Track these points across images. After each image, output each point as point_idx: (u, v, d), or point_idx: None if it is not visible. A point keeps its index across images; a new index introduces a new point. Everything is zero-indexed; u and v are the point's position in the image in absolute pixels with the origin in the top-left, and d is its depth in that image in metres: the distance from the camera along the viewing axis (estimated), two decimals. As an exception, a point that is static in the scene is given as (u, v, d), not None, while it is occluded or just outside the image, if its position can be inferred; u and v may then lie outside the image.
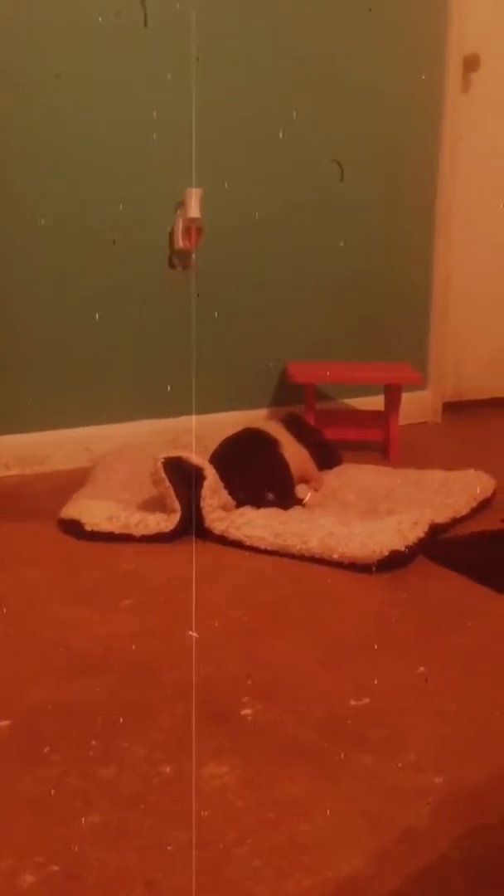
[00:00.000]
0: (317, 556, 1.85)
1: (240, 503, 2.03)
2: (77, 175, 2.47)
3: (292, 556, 1.87)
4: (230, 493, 2.02)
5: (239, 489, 2.04)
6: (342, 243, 3.02)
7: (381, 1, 2.94)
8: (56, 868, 0.95)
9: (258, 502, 2.05)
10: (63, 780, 1.10)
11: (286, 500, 2.10)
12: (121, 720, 1.23)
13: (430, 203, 3.21)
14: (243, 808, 1.05)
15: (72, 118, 2.44)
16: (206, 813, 1.04)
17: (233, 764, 1.14)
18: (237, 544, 1.92)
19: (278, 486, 2.13)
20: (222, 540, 1.94)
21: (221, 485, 1.99)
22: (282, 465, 2.18)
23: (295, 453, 2.27)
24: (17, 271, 2.43)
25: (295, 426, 2.41)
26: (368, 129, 3.00)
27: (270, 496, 2.07)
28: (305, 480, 2.30)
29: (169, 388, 2.67)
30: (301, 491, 2.22)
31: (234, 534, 1.93)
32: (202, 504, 1.95)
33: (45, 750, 1.16)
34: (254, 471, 2.12)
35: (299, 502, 2.13)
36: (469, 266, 3.40)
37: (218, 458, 2.12)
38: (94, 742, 1.18)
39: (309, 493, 2.21)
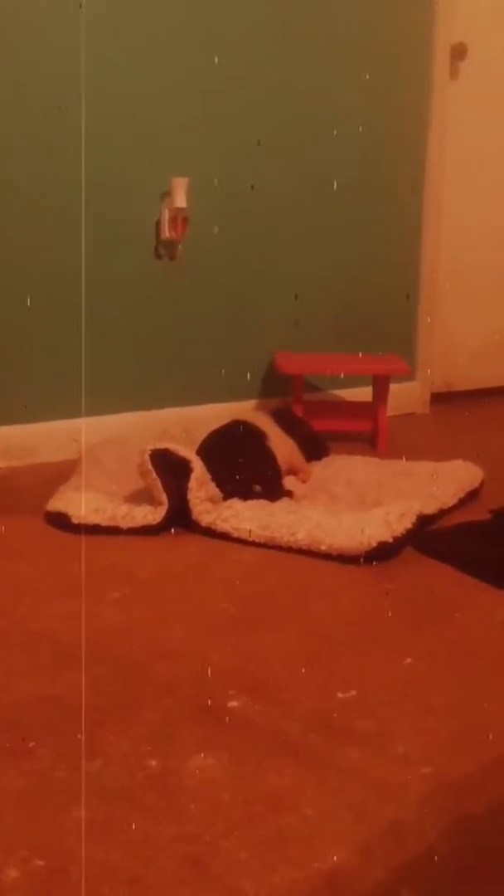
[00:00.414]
0: (304, 547, 1.84)
1: (227, 495, 2.03)
2: (62, 164, 2.45)
3: (280, 548, 1.86)
4: (217, 486, 2.01)
5: (226, 481, 2.03)
6: (330, 233, 3.01)
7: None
8: (41, 863, 0.95)
9: (245, 494, 2.04)
10: (49, 774, 1.10)
11: (273, 491, 2.10)
12: (107, 714, 1.23)
13: (418, 192, 3.21)
14: (230, 801, 1.05)
15: (56, 107, 2.41)
16: (193, 806, 1.04)
17: (219, 757, 1.13)
18: (224, 536, 1.91)
19: (265, 478, 2.12)
20: (209, 532, 1.93)
21: (209, 477, 1.99)
22: (269, 456, 2.17)
23: (282, 445, 2.26)
24: (2, 263, 2.41)
25: (282, 418, 2.41)
26: (357, 116, 2.99)
27: (258, 488, 2.07)
28: (293, 472, 2.29)
29: (168, 382, 2.66)
30: (289, 482, 2.22)
31: (222, 526, 1.92)
32: (189, 496, 1.94)
33: (31, 744, 1.15)
34: (241, 463, 2.12)
35: (287, 494, 2.12)
36: (458, 256, 3.40)
37: (205, 450, 2.11)
38: (80, 736, 1.17)
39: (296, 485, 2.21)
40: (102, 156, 2.50)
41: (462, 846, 0.99)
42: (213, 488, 2.00)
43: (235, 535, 1.90)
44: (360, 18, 2.92)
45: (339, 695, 1.29)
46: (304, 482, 2.26)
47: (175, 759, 1.12)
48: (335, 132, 2.94)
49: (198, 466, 1.96)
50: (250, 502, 2.01)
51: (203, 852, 0.96)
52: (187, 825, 1.00)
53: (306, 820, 1.02)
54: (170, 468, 1.94)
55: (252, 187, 2.80)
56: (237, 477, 2.06)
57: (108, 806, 1.04)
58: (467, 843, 1.00)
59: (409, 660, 1.41)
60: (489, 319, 3.59)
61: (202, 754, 1.14)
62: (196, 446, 2.13)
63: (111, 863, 0.95)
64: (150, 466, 1.92)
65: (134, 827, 1.00)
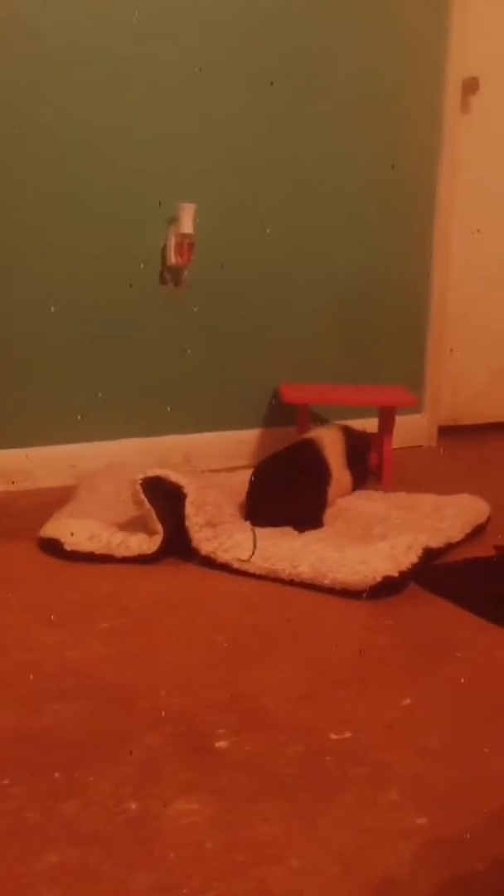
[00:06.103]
0: (307, 581, 1.78)
1: (271, 516, 2.06)
2: (68, 190, 2.43)
3: (281, 581, 1.80)
4: (263, 504, 2.06)
5: (274, 500, 2.09)
6: (340, 264, 2.98)
7: (384, 25, 2.93)
8: (8, 912, 0.89)
9: (287, 522, 2.06)
10: (21, 814, 1.04)
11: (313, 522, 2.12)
12: (88, 751, 1.17)
13: (428, 224, 3.18)
14: (212, 850, 0.98)
15: (65, 133, 2.40)
16: (172, 854, 0.97)
17: (204, 801, 1.07)
18: (224, 567, 1.86)
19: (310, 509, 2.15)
20: (209, 562, 1.87)
21: (205, 501, 1.93)
22: (322, 499, 2.19)
23: (339, 482, 2.29)
24: (5, 287, 2.39)
25: (351, 438, 2.42)
26: (368, 148, 2.97)
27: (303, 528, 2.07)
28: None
29: (169, 408, 2.64)
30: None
31: (223, 556, 1.87)
32: (187, 524, 1.89)
33: (5, 782, 1.09)
34: (298, 497, 2.14)
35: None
36: (466, 289, 3.36)
37: (271, 460, 2.19)
38: (57, 774, 1.11)
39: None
40: (110, 180, 2.49)
41: (458, 905, 0.92)
42: (210, 511, 1.94)
43: (236, 566, 1.85)
44: (372, 51, 2.92)
45: (333, 736, 1.23)
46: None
47: (156, 803, 1.06)
48: (345, 163, 2.92)
49: (192, 491, 1.90)
50: (250, 532, 1.95)
51: (180, 905, 0.90)
52: (165, 875, 0.94)
53: (292, 872, 0.95)
54: (164, 495, 1.89)
55: (260, 215, 2.78)
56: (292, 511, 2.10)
57: (82, 851, 0.97)
58: (464, 902, 0.93)
59: (407, 700, 1.34)
60: (497, 353, 3.54)
61: (186, 797, 1.07)
62: (196, 474, 2.09)
63: (81, 914, 0.89)
64: (143, 496, 1.87)
65: (108, 875, 0.94)
